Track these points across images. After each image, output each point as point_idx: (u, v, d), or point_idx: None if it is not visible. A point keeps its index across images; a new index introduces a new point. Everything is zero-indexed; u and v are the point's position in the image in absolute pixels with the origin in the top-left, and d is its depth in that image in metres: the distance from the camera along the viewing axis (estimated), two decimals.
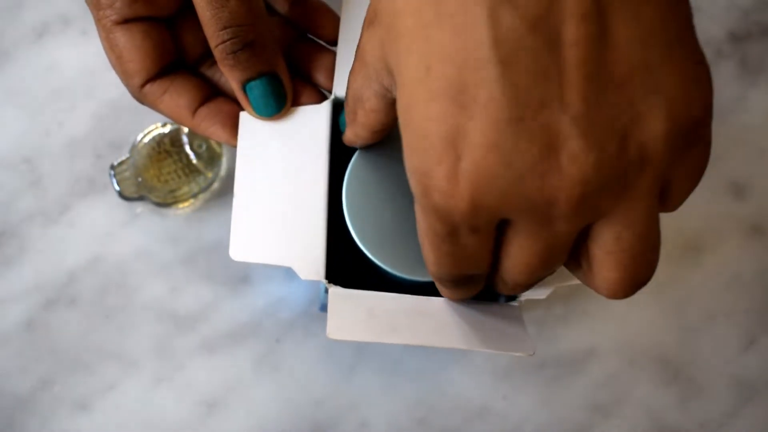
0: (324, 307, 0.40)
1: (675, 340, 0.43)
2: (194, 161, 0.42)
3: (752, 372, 0.43)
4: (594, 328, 0.43)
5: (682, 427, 0.42)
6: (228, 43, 0.31)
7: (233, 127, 0.33)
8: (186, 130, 0.42)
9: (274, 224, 0.32)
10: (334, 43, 0.35)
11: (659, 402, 0.42)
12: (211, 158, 0.42)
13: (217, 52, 0.31)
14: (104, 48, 0.33)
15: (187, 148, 0.42)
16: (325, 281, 0.32)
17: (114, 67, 0.33)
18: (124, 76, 0.33)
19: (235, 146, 0.33)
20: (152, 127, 0.42)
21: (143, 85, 0.33)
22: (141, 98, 0.34)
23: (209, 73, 0.35)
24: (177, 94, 0.33)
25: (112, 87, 0.44)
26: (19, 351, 0.41)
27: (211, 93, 0.34)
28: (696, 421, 0.42)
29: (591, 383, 0.42)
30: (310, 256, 0.32)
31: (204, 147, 0.42)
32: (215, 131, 0.34)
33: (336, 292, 0.32)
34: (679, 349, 0.43)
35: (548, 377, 0.42)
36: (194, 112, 0.34)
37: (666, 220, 0.45)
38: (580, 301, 0.43)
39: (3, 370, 0.40)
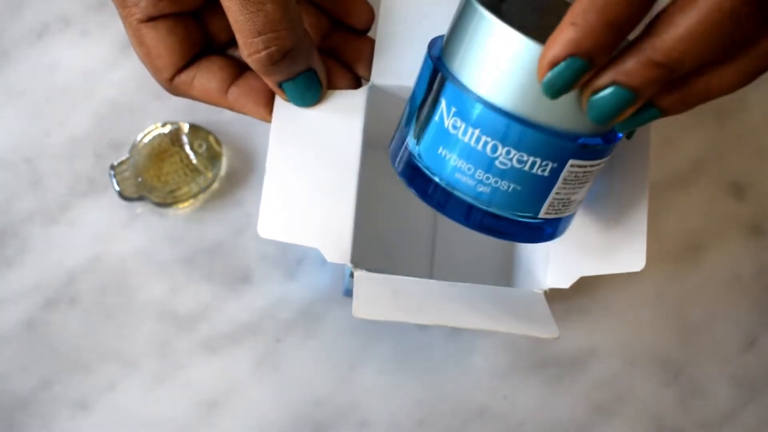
0: (347, 292, 0.41)
1: (675, 340, 0.43)
2: (194, 161, 0.42)
3: (752, 372, 0.43)
4: (594, 328, 0.43)
5: (682, 427, 0.42)
6: (264, 53, 0.29)
7: (267, 104, 0.33)
8: (186, 130, 0.42)
9: (303, 205, 0.32)
10: (366, 32, 0.35)
11: (659, 402, 0.42)
12: (211, 158, 0.42)
13: (252, 61, 0.30)
14: (132, 45, 0.33)
15: (187, 148, 0.42)
16: (350, 265, 0.32)
17: (143, 62, 0.33)
18: (154, 71, 0.33)
19: (269, 122, 0.33)
20: (152, 127, 0.42)
21: (172, 78, 0.33)
22: (172, 90, 0.33)
23: (237, 54, 0.35)
24: (206, 79, 0.33)
25: (112, 87, 0.44)
26: (19, 351, 0.41)
27: (239, 69, 0.34)
28: (696, 421, 0.42)
29: (591, 383, 0.42)
30: (337, 239, 0.32)
31: (204, 147, 0.42)
32: (251, 109, 0.33)
33: (361, 275, 0.32)
34: (679, 349, 0.43)
35: (548, 377, 0.42)
36: (226, 92, 0.33)
37: (666, 220, 0.45)
38: (581, 300, 0.43)
39: (3, 370, 0.40)
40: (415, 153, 0.29)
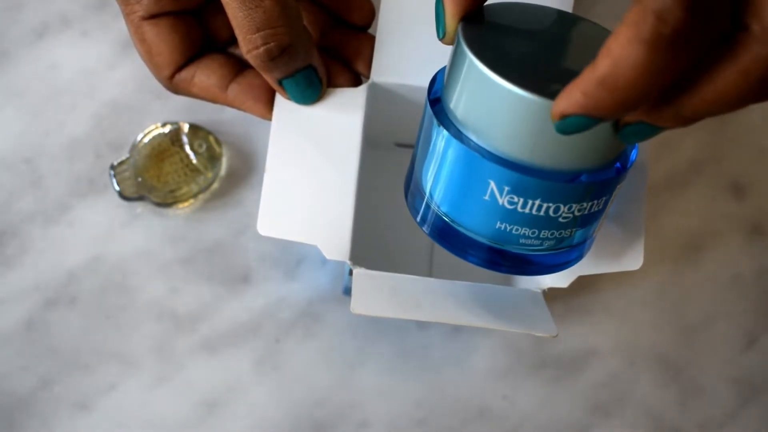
0: (347, 290, 0.41)
1: (675, 340, 0.43)
2: (194, 161, 0.42)
3: (752, 372, 0.43)
4: (594, 328, 0.43)
5: (682, 427, 0.42)
6: (263, 49, 0.29)
7: (267, 102, 0.33)
8: (186, 129, 0.42)
9: (302, 203, 0.32)
10: (366, 28, 0.35)
11: (659, 402, 0.42)
12: (211, 158, 0.42)
13: (251, 57, 0.30)
14: (133, 42, 0.33)
15: (187, 148, 0.42)
16: (349, 262, 0.32)
17: (144, 60, 0.33)
18: (154, 69, 0.33)
19: (270, 120, 0.33)
20: (152, 127, 0.42)
21: (172, 76, 0.33)
22: (173, 88, 0.34)
23: (238, 52, 0.35)
24: (206, 76, 0.33)
25: (112, 87, 0.44)
26: (19, 351, 0.41)
27: (239, 67, 0.34)
28: (696, 421, 0.42)
29: (591, 383, 0.42)
30: (336, 237, 0.32)
31: (204, 147, 0.42)
32: (251, 106, 0.33)
33: (360, 272, 0.32)
34: (679, 349, 0.43)
35: (548, 377, 0.42)
36: (226, 89, 0.33)
37: (666, 219, 0.45)
38: (581, 300, 0.43)
39: (3, 370, 0.40)
40: (448, 218, 0.29)
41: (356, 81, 0.34)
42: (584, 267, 0.33)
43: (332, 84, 0.34)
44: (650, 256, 0.43)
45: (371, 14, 0.35)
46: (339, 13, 0.35)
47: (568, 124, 0.23)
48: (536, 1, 0.29)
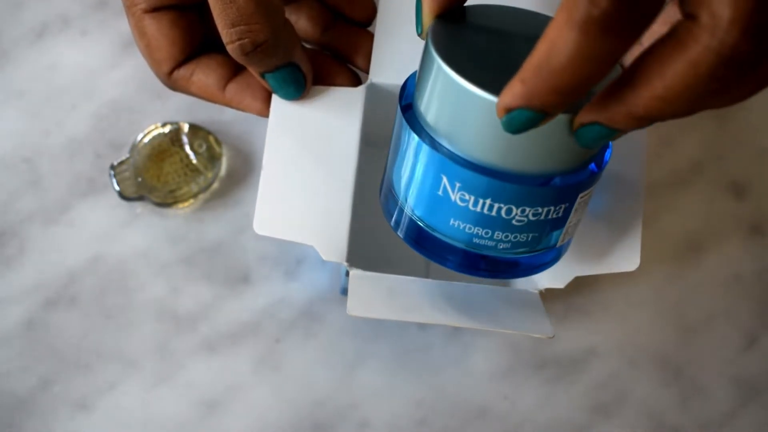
0: (344, 291, 0.41)
1: (675, 340, 0.43)
2: (194, 161, 0.42)
3: (752, 372, 0.43)
4: (594, 328, 0.43)
5: (682, 427, 0.42)
6: (237, 44, 0.29)
7: (265, 100, 0.33)
8: (186, 129, 0.42)
9: (299, 202, 0.32)
10: (367, 25, 0.35)
11: (659, 402, 0.42)
12: (211, 158, 0.42)
13: (229, 49, 0.30)
14: (134, 36, 0.33)
15: (187, 148, 0.42)
16: (346, 264, 0.32)
17: (143, 54, 0.33)
18: (153, 63, 0.33)
19: (267, 118, 0.33)
20: (152, 127, 0.42)
21: (171, 72, 0.33)
22: (171, 84, 0.34)
23: None
24: (204, 75, 0.33)
25: (112, 87, 0.44)
26: (19, 351, 0.41)
27: (237, 67, 0.34)
28: (696, 421, 0.42)
29: (591, 383, 0.42)
30: (333, 238, 0.32)
31: (204, 147, 0.42)
32: (248, 104, 0.34)
33: (357, 274, 0.32)
34: (679, 349, 0.43)
35: (548, 377, 0.42)
36: (224, 88, 0.34)
37: (666, 219, 0.45)
38: (580, 300, 0.43)
39: (3, 370, 0.40)
40: (422, 223, 0.29)
41: (356, 81, 0.35)
42: (581, 267, 0.33)
43: (331, 83, 0.34)
44: (650, 256, 0.43)
45: (373, 11, 0.35)
46: (340, 10, 0.35)
47: (512, 119, 0.22)
48: (519, 4, 0.29)
